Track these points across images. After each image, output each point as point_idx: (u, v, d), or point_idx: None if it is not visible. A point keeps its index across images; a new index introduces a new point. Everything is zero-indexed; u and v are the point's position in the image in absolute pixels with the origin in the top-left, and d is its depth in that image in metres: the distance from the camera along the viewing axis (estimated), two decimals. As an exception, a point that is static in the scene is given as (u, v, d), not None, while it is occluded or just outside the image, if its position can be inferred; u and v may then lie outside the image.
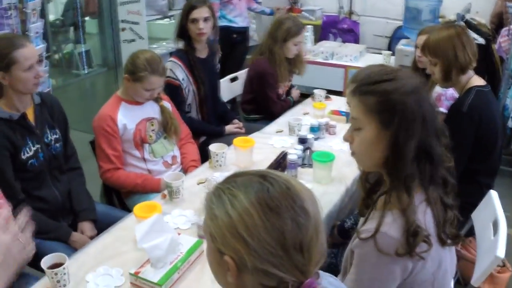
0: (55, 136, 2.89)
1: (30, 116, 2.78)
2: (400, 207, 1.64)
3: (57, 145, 2.90)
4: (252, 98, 4.51)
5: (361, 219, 2.02)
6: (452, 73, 2.96)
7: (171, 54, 5.25)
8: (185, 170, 3.37)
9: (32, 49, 2.67)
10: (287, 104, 4.49)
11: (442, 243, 1.69)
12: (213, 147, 3.18)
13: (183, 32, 3.88)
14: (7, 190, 2.30)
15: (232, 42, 6.16)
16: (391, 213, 1.64)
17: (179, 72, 3.81)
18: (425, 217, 1.65)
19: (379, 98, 1.67)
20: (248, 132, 3.90)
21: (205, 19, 3.80)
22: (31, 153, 2.73)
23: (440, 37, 2.97)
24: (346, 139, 1.81)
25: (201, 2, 3.84)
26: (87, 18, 9.04)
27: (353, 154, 1.82)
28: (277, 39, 4.26)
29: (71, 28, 8.94)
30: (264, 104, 4.41)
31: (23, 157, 2.69)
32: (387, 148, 1.69)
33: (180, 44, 3.94)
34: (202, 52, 3.97)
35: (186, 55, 3.88)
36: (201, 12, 3.78)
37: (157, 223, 2.17)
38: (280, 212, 1.18)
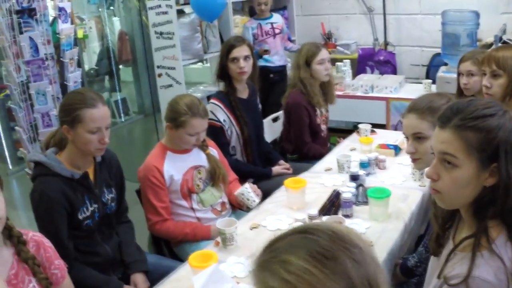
0: (111, 195, 2.83)
1: (91, 175, 2.72)
2: (495, 248, 1.52)
3: (113, 204, 2.84)
4: (291, 137, 4.42)
5: (433, 259, 1.91)
6: None
7: (208, 97, 5.25)
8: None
9: (103, 112, 2.58)
10: (322, 148, 4.36)
11: None
12: (239, 189, 3.19)
13: (223, 73, 3.84)
14: (60, 249, 2.22)
15: (270, 82, 6.09)
16: (481, 254, 1.52)
17: (220, 114, 3.76)
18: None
19: (483, 136, 1.54)
20: (296, 172, 3.81)
21: (245, 58, 3.76)
22: (88, 213, 2.66)
23: (511, 53, 2.86)
24: (431, 176, 1.65)
25: (240, 41, 3.82)
26: (121, 66, 9.15)
27: (437, 193, 1.66)
28: (300, 65, 4.23)
29: (106, 77, 9.06)
30: (295, 142, 4.34)
31: (80, 217, 2.62)
32: (481, 188, 1.58)
33: (220, 86, 3.91)
34: (243, 92, 3.93)
35: (226, 96, 3.83)
36: (241, 51, 3.75)
37: (215, 273, 2.09)
38: (336, 257, 1.12)
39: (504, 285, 1.48)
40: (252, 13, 6.60)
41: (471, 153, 1.54)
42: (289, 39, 6.68)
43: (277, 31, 6.19)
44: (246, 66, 3.77)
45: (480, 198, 1.59)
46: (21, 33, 3.69)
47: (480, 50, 4.16)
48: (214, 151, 3.35)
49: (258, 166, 4.02)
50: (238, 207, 3.39)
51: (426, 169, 1.68)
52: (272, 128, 4.64)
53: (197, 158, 3.23)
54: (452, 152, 1.57)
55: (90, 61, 9.08)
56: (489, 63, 2.88)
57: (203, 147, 3.27)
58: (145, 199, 3.10)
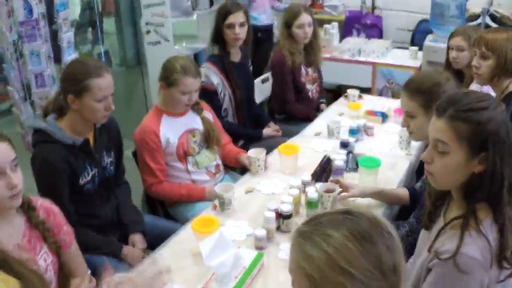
0: (110, 159, 2.88)
1: (91, 140, 2.77)
2: (482, 229, 1.66)
3: (111, 168, 2.90)
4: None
5: (423, 232, 2.05)
6: (501, 74, 2.97)
7: (195, 55, 5.28)
8: (235, 159, 3.41)
9: (109, 80, 2.62)
10: (307, 108, 4.45)
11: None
12: (252, 153, 3.20)
13: (218, 37, 3.88)
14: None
15: (258, 40, 6.08)
16: (469, 233, 1.66)
17: (213, 77, 3.82)
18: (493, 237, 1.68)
19: (473, 127, 1.67)
20: (285, 134, 3.91)
21: (241, 24, 3.81)
22: (88, 178, 2.72)
23: (501, 36, 2.97)
24: (426, 160, 1.79)
25: (236, 7, 3.85)
26: (104, 18, 9.03)
27: (430, 174, 1.81)
28: (283, 26, 4.31)
29: (89, 29, 8.94)
30: (278, 100, 4.43)
31: (81, 182, 2.68)
32: (470, 174, 1.71)
33: (214, 49, 3.96)
34: (236, 56, 3.99)
35: (220, 60, 3.89)
36: (237, 17, 3.79)
37: (221, 239, 2.19)
38: (373, 240, 1.27)
39: (489, 263, 1.64)
40: (241, -28, 6.57)
41: (461, 143, 1.68)
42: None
43: (266, -11, 6.20)
44: (241, 32, 3.82)
45: (469, 183, 1.73)
46: (14, -7, 3.68)
47: (471, 26, 4.30)
48: (209, 114, 3.41)
49: (249, 128, 4.11)
50: (233, 165, 3.51)
51: (422, 154, 1.82)
52: (261, 90, 4.70)
53: (192, 121, 3.29)
54: (444, 140, 1.71)
55: (73, 12, 8.94)
56: (479, 45, 3.01)
57: (198, 110, 3.33)
58: (141, 161, 3.17)
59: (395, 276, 1.28)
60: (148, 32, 5.43)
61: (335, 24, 6.01)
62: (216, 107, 3.75)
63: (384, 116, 3.88)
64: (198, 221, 2.49)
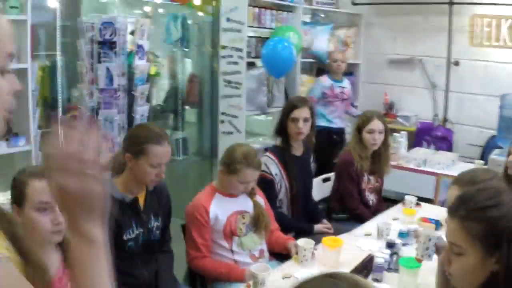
0: (157, 223, 3.02)
1: (141, 201, 2.92)
2: None
3: (157, 232, 3.02)
4: (339, 195, 4.52)
5: None
6: None
7: (265, 149, 5.43)
8: (284, 245, 3.44)
9: (166, 150, 2.82)
10: (368, 211, 4.44)
11: None
12: (301, 242, 3.23)
13: (281, 129, 4.02)
14: None
15: (333, 142, 6.26)
16: None
17: (273, 167, 3.93)
18: None
19: (485, 226, 1.66)
20: (336, 232, 3.93)
21: (305, 120, 3.95)
22: (132, 236, 2.85)
23: None
24: (443, 262, 1.80)
25: (302, 103, 4.01)
26: (186, 107, 9.40)
27: (449, 275, 1.80)
28: (355, 130, 4.41)
29: (171, 115, 9.31)
30: (344, 197, 4.43)
31: (125, 238, 2.82)
32: (489, 273, 1.68)
33: (277, 140, 4.09)
34: (297, 150, 4.10)
35: (281, 152, 4.01)
36: (301, 113, 3.93)
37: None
38: None
39: None
40: (318, 75, 6.80)
41: (475, 243, 1.67)
42: (352, 104, 6.86)
43: (345, 96, 6.41)
44: (304, 128, 3.96)
45: (488, 281, 1.70)
46: (99, 62, 3.99)
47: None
48: (260, 199, 3.51)
49: (302, 221, 4.15)
50: (280, 251, 3.52)
51: (442, 254, 1.85)
52: (321, 188, 4.77)
53: (244, 203, 3.40)
54: (458, 242, 1.71)
55: (158, 97, 9.34)
56: None
57: (251, 194, 3.44)
58: (188, 234, 3.27)
59: None
60: (222, 122, 5.67)
61: (404, 133, 6.07)
62: (272, 197, 3.85)
63: (438, 224, 3.84)
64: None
